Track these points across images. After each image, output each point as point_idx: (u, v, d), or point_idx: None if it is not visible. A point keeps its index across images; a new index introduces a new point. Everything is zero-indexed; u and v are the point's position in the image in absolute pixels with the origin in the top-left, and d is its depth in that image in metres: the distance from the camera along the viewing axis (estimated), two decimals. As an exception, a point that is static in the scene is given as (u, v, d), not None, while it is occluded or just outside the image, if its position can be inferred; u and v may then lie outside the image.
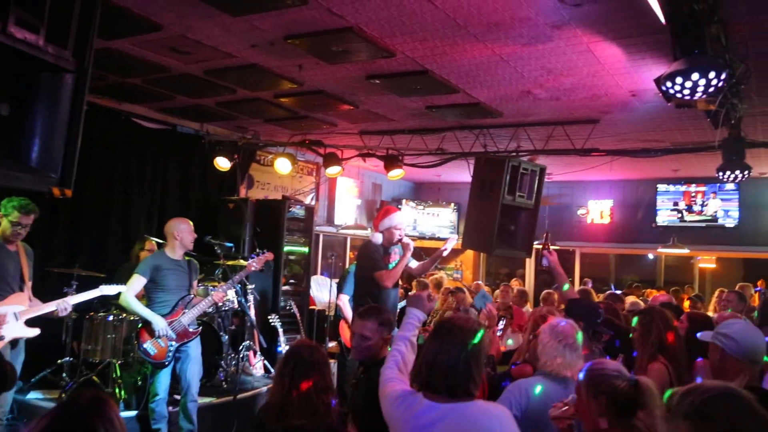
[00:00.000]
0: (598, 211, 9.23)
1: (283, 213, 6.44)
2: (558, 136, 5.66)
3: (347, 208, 8.92)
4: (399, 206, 9.34)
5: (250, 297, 5.38)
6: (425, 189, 10.71)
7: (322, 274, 8.01)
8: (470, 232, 5.63)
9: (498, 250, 5.52)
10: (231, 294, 4.82)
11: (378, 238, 4.14)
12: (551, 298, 5.84)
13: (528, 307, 6.68)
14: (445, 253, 4.13)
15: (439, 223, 9.96)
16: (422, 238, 9.67)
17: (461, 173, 6.46)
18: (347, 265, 8.04)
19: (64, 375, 4.46)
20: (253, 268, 4.31)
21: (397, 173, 6.41)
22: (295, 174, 7.03)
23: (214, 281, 5.03)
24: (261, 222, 6.35)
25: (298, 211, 6.73)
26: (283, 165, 6.40)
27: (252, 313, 5.27)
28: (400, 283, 4.46)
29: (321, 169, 7.51)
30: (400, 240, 4.12)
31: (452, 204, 10.00)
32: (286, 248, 6.50)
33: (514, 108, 5.14)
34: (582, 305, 3.12)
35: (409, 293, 6.31)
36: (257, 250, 4.51)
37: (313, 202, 7.84)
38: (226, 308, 5.09)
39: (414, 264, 4.32)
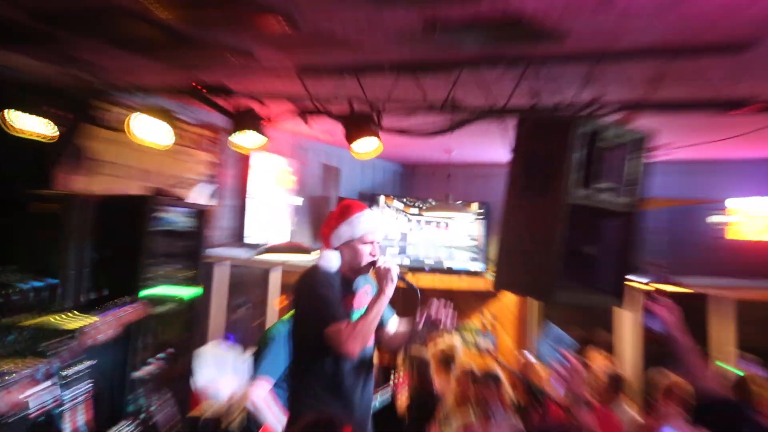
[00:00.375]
0: (754, 218, 9.29)
1: (147, 221, 6.33)
2: (671, 77, 5.69)
3: (274, 214, 8.94)
4: (372, 206, 9.62)
5: (76, 393, 5.18)
6: (423, 177, 10.88)
7: (223, 339, 7.99)
8: (509, 260, 5.61)
9: (563, 294, 5.40)
10: (40, 388, 4.73)
11: (331, 259, 4.23)
12: (674, 388, 5.93)
13: (624, 405, 6.89)
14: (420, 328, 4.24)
15: (449, 240, 10.09)
16: (417, 268, 9.78)
17: (490, 147, 6.67)
18: (272, 322, 8.01)
19: None
20: (103, 337, 4.52)
21: (368, 146, 6.54)
22: (174, 147, 6.93)
23: (6, 360, 4.88)
24: (106, 238, 6.23)
25: (179, 218, 6.68)
26: (148, 129, 6.35)
27: (76, 424, 5.10)
28: (376, 356, 4.48)
29: (224, 140, 7.53)
30: (373, 264, 4.24)
31: (474, 205, 10.16)
32: (152, 290, 6.36)
33: (587, 26, 5.12)
34: (724, 404, 3.37)
35: (393, 380, 6.40)
36: (112, 299, 4.73)
37: (210, 203, 7.86)
38: (24, 415, 4.79)
39: (394, 324, 4.43)
